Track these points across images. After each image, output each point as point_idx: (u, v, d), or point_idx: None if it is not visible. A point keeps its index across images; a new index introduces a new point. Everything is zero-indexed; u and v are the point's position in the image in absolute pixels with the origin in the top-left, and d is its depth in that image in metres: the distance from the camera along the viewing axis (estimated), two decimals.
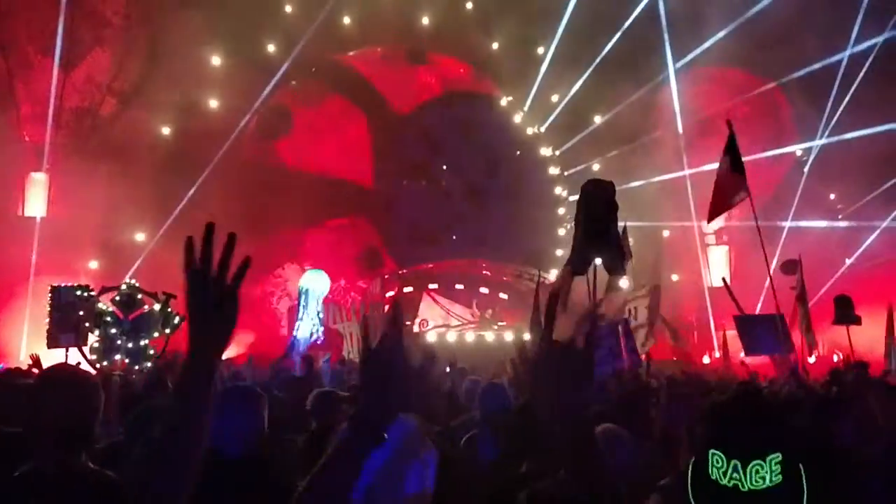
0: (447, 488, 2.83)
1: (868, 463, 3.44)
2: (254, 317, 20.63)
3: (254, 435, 3.02)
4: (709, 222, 11.34)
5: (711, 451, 1.66)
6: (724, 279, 14.99)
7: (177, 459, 1.67)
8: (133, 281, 14.60)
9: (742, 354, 13.09)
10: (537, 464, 3.37)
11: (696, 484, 1.66)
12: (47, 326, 13.79)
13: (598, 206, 7.90)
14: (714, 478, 1.63)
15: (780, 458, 1.61)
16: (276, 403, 5.56)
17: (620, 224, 8.68)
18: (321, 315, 19.56)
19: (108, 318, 13.80)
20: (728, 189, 10.13)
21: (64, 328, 13.37)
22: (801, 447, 1.67)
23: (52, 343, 13.53)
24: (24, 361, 15.26)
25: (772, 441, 1.64)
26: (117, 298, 14.18)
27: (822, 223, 23.72)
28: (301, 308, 19.55)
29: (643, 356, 10.73)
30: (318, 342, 18.94)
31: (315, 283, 20.00)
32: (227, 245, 1.70)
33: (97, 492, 2.52)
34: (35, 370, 10.18)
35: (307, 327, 19.16)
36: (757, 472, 1.60)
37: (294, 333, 19.05)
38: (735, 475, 1.61)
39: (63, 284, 14.14)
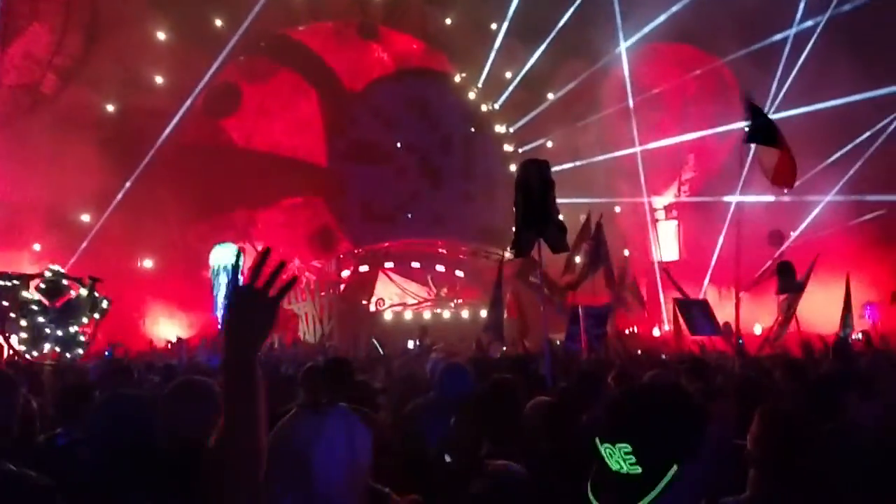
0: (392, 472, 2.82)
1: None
2: (207, 298, 20.36)
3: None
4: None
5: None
6: (665, 270, 15.42)
7: (243, 461, 1.77)
8: (56, 266, 14.12)
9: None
10: (497, 448, 3.38)
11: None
12: None
13: (534, 186, 7.93)
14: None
15: (629, 449, 1.67)
16: None
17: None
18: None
19: (34, 307, 13.32)
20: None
21: (2, 311, 13.01)
22: (677, 443, 1.71)
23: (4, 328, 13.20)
24: None
25: (623, 431, 1.69)
26: (42, 286, 13.68)
27: (770, 198, 24.26)
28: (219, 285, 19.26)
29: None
30: None
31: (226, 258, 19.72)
32: (261, 258, 1.84)
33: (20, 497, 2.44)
34: None
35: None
36: (610, 454, 1.68)
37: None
38: (598, 453, 1.71)
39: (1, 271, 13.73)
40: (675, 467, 1.66)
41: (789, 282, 11.81)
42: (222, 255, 19.93)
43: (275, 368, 8.85)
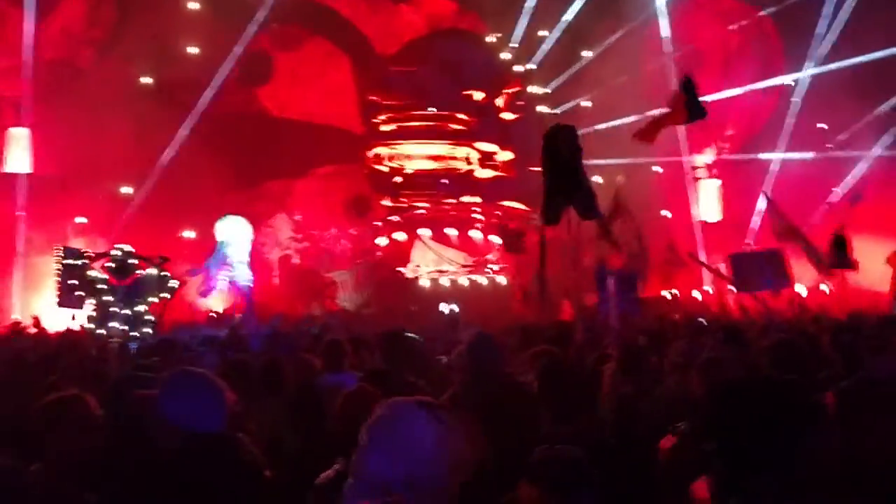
0: None
1: None
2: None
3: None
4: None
5: None
6: (690, 254, 15.12)
7: None
8: (125, 245, 14.31)
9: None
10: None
11: None
12: (58, 286, 13.78)
13: (561, 152, 7.74)
14: None
15: None
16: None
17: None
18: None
19: (102, 285, 13.58)
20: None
21: (72, 289, 13.38)
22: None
23: (63, 302, 13.58)
24: (17, 318, 15.35)
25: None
26: (110, 265, 13.91)
27: (810, 154, 23.60)
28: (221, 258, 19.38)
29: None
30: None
31: (243, 231, 19.82)
32: None
33: None
34: (35, 329, 10.23)
35: (243, 272, 19.10)
36: None
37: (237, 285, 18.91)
38: None
39: (70, 246, 14.05)
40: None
41: (843, 257, 11.38)
42: (229, 228, 20.03)
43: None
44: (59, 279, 13.54)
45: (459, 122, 25.04)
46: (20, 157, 19.72)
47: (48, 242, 17.34)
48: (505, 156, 25.49)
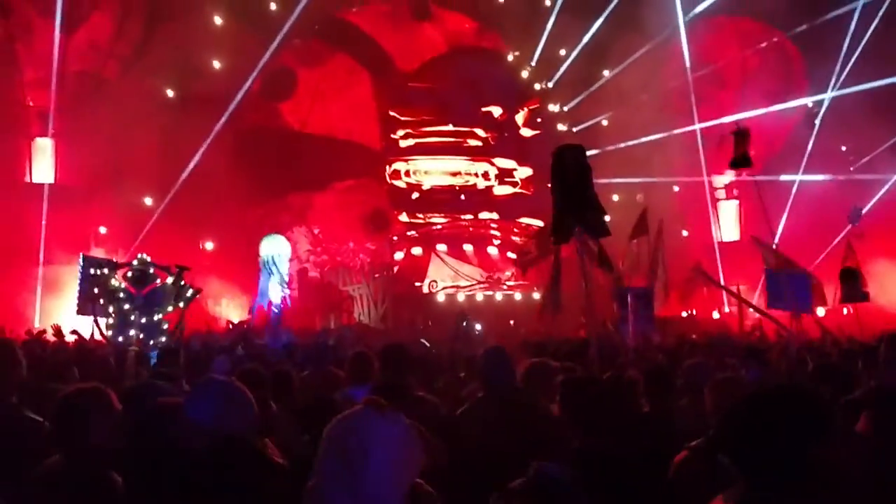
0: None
1: None
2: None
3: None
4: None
5: None
6: (697, 266, 15.10)
7: None
8: (145, 255, 14.49)
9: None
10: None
11: None
12: (77, 294, 13.98)
13: (569, 172, 7.80)
14: None
15: None
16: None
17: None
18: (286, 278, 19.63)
19: (121, 295, 13.76)
20: None
21: (93, 297, 13.56)
22: None
23: (82, 310, 13.77)
24: (39, 327, 15.51)
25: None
26: (129, 274, 14.11)
27: (833, 176, 23.45)
28: (268, 276, 19.58)
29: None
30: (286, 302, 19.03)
31: (277, 249, 20.03)
32: None
33: None
34: (54, 338, 10.34)
35: (276, 292, 19.27)
36: None
37: (269, 302, 19.10)
38: None
39: (92, 256, 14.25)
40: None
41: (854, 290, 11.30)
42: (271, 247, 20.28)
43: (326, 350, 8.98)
44: (80, 287, 13.72)
45: (478, 138, 25.17)
46: (44, 166, 20.05)
47: (70, 251, 17.55)
48: (524, 172, 25.57)
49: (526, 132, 26.41)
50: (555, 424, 3.87)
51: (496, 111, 25.56)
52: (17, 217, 18.13)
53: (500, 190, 25.69)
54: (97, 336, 13.02)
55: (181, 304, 13.42)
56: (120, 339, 12.96)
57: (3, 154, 19.10)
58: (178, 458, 2.94)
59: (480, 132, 25.21)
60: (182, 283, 13.53)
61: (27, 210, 18.80)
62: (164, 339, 12.88)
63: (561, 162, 8.27)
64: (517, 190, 25.72)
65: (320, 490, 2.08)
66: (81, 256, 14.10)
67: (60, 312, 16.23)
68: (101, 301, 13.39)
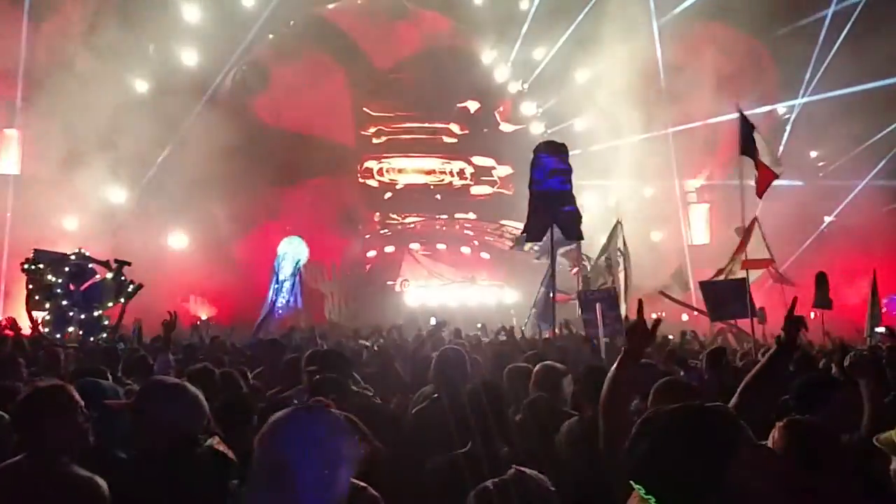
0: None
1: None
2: (234, 277, 20.53)
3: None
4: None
5: None
6: (661, 292, 15.22)
7: None
8: (82, 249, 14.18)
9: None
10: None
11: None
12: (27, 290, 13.67)
13: (548, 171, 7.81)
14: None
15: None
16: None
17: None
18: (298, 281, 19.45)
19: (58, 290, 13.43)
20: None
21: (34, 293, 13.26)
22: None
23: (32, 306, 13.44)
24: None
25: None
26: (67, 269, 13.77)
27: (800, 182, 23.74)
28: (280, 274, 19.37)
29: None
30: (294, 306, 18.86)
31: (295, 250, 19.84)
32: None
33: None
34: (9, 332, 10.10)
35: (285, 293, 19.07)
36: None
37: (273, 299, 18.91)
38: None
39: (39, 250, 13.90)
40: None
41: (824, 297, 11.42)
42: (281, 247, 20.12)
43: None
44: (27, 283, 13.39)
45: (453, 134, 25.13)
46: (10, 158, 19.70)
47: (35, 244, 17.24)
48: (503, 171, 25.52)
49: (507, 127, 26.35)
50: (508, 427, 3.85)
51: (472, 106, 25.53)
52: None
53: (479, 189, 25.67)
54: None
55: (122, 300, 13.11)
56: (58, 335, 12.68)
57: None
58: (133, 458, 3.02)
59: (455, 128, 25.16)
60: (122, 277, 13.24)
61: None
62: (104, 335, 12.64)
63: (540, 159, 8.25)
64: (496, 189, 25.71)
65: (253, 495, 2.07)
66: (34, 251, 13.76)
67: (22, 307, 15.95)
68: (38, 297, 13.09)
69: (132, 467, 2.97)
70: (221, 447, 3.05)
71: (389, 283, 22.69)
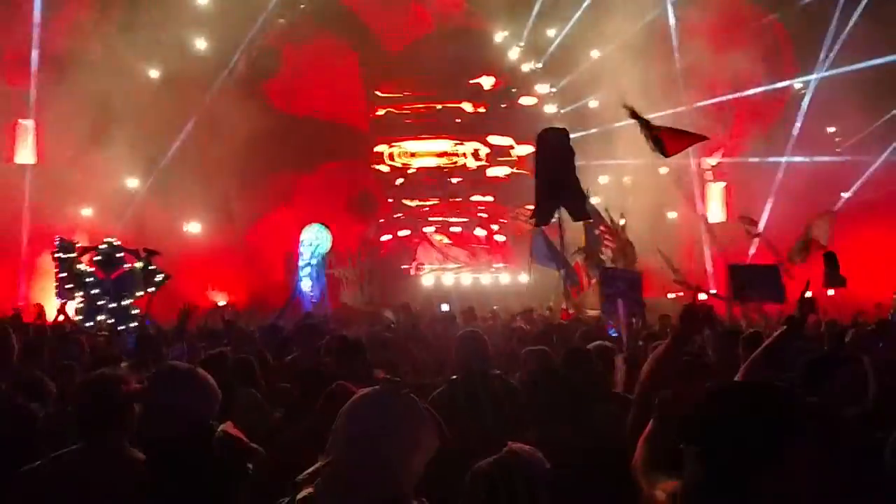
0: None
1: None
2: (249, 263, 20.66)
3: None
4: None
5: None
6: (676, 280, 15.07)
7: None
8: (113, 239, 14.30)
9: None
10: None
11: None
12: (56, 278, 13.87)
13: (554, 154, 7.81)
14: None
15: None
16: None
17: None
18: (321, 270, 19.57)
19: (89, 279, 13.59)
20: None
21: (64, 282, 13.45)
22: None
23: (62, 294, 13.66)
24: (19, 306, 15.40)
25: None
26: (97, 258, 13.91)
27: (822, 158, 23.48)
28: (305, 262, 19.48)
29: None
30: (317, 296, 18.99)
31: (314, 237, 19.92)
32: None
33: None
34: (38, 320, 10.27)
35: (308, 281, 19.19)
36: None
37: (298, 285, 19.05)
38: None
39: (64, 239, 14.09)
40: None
41: (835, 275, 11.35)
42: (310, 235, 20.23)
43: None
44: (56, 272, 13.61)
45: (466, 114, 24.89)
46: (26, 148, 19.83)
47: (53, 234, 17.42)
48: (522, 150, 24.93)
49: (528, 100, 25.92)
50: (525, 409, 3.88)
51: (487, 81, 25.19)
52: (1, 199, 17.99)
53: (496, 171, 25.44)
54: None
55: (151, 290, 13.23)
56: (89, 324, 12.84)
57: None
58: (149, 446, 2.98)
59: (468, 107, 24.93)
60: (151, 266, 13.36)
61: (12, 192, 18.64)
62: (134, 323, 12.76)
63: (544, 144, 8.30)
64: (515, 170, 25.42)
65: (337, 468, 2.08)
66: (58, 239, 13.94)
67: (44, 295, 16.13)
68: (70, 285, 13.27)
69: (146, 456, 2.96)
70: (233, 431, 3.03)
71: (404, 267, 22.76)
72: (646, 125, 9.84)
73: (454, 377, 4.76)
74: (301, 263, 19.45)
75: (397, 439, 2.05)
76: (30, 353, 5.68)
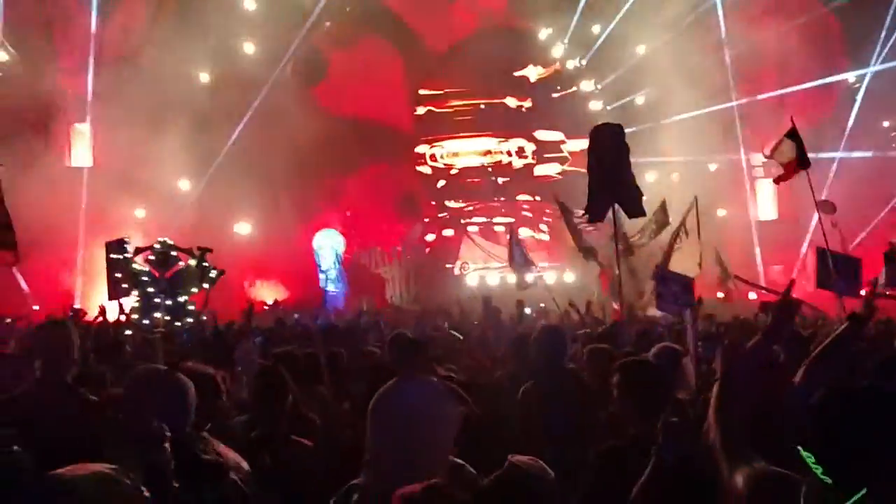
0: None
1: None
2: (298, 263, 20.92)
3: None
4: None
5: None
6: (737, 276, 14.64)
7: None
8: (166, 239, 14.64)
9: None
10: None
11: None
12: (108, 278, 14.21)
13: (608, 151, 7.74)
14: None
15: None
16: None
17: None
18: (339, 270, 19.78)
19: (145, 278, 13.91)
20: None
21: (116, 281, 13.74)
22: None
23: (114, 294, 13.97)
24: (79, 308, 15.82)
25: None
26: (152, 257, 14.26)
27: (874, 153, 22.84)
28: (322, 264, 19.72)
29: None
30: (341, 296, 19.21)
31: (333, 241, 20.15)
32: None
33: None
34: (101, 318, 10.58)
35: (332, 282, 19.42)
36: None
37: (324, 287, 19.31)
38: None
39: (117, 240, 14.43)
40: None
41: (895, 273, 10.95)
42: (321, 240, 20.45)
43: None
44: (108, 272, 13.90)
45: (509, 109, 24.65)
46: (83, 151, 20.42)
47: (108, 235, 17.88)
48: (575, 145, 24.36)
49: (587, 85, 25.29)
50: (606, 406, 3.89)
51: (533, 73, 24.85)
52: (57, 201, 18.51)
53: (544, 169, 25.13)
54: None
55: (206, 286, 13.49)
56: (145, 321, 13.12)
57: (45, 139, 19.49)
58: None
59: (512, 102, 24.72)
60: (205, 263, 13.61)
61: (68, 194, 19.18)
62: (190, 319, 13.02)
63: (597, 140, 8.23)
64: (567, 168, 25.04)
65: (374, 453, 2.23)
66: (105, 244, 14.29)
67: (100, 295, 16.55)
68: (125, 285, 13.54)
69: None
70: (210, 446, 2.85)
71: (449, 265, 22.81)
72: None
73: (535, 372, 4.82)
74: (324, 267, 19.68)
75: (422, 421, 2.24)
76: (106, 351, 5.87)
